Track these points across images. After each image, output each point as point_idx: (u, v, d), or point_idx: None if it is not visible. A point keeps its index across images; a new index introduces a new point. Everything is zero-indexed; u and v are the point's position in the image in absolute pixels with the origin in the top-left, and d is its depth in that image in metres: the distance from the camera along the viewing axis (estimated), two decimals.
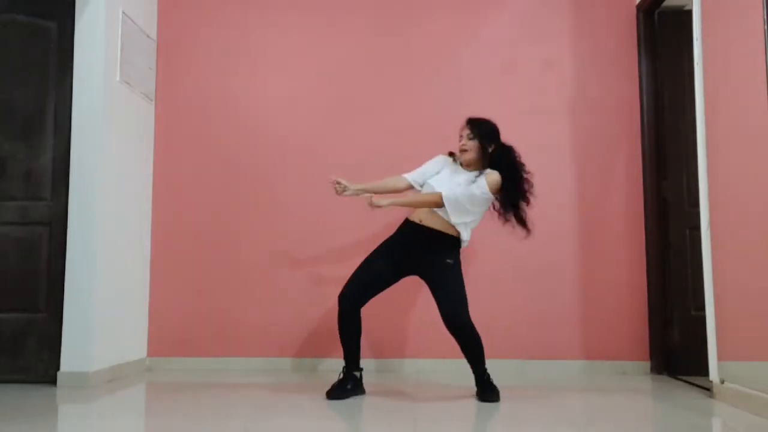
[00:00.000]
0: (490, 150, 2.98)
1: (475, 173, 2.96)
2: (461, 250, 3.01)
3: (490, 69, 3.90)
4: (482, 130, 2.99)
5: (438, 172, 3.04)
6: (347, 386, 2.94)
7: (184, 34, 3.97)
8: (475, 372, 2.98)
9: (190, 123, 3.92)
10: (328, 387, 2.97)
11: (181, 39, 3.97)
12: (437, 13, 3.93)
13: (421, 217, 2.97)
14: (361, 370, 3.01)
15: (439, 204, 2.89)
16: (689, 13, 3.15)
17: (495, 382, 2.96)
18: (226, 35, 3.97)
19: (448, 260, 2.93)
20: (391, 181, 3.07)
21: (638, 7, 3.81)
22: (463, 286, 2.94)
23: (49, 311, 3.28)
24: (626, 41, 3.85)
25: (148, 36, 3.84)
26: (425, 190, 3.01)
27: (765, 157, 2.57)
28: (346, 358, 2.99)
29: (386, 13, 3.95)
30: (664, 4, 3.64)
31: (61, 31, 3.40)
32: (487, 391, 2.91)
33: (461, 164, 3.04)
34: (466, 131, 3.01)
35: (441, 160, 3.09)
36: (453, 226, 2.93)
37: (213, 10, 3.99)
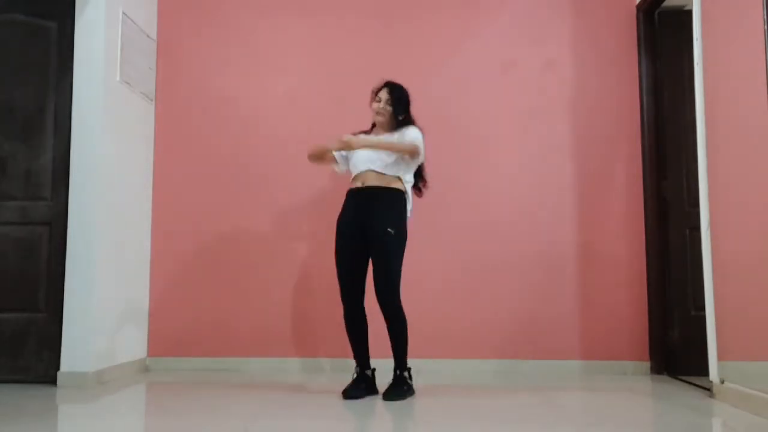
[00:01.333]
0: (400, 119, 3.06)
1: (393, 134, 3.03)
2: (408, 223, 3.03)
3: (490, 69, 3.90)
4: (400, 98, 3.07)
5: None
6: (362, 386, 2.95)
7: (184, 34, 3.98)
8: (396, 361, 2.96)
9: (190, 123, 3.92)
10: (328, 387, 2.97)
11: (181, 39, 3.97)
12: (437, 13, 3.93)
13: (365, 179, 2.99)
14: (373, 369, 3.02)
15: (413, 151, 2.93)
16: (689, 13, 3.15)
17: (493, 382, 2.94)
18: (226, 35, 3.97)
19: (389, 229, 2.91)
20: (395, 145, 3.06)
21: (638, 7, 3.81)
22: (400, 265, 2.94)
23: (49, 311, 3.28)
24: (626, 41, 3.85)
25: (148, 36, 3.84)
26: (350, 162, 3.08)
27: (765, 157, 2.57)
28: (356, 357, 3.01)
29: (386, 13, 3.95)
30: (664, 4, 3.64)
31: (61, 31, 3.40)
32: (396, 386, 2.91)
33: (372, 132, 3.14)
34: (385, 95, 3.07)
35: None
36: (394, 182, 2.98)
37: (213, 10, 3.99)
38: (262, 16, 3.98)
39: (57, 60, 3.39)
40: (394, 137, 3.01)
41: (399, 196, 2.99)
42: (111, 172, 3.42)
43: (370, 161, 2.99)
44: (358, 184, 3.02)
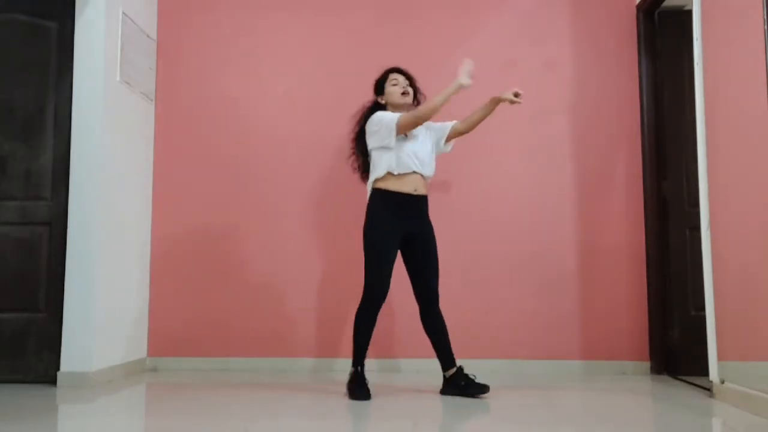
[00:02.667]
0: (419, 100, 3.13)
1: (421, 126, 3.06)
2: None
3: (490, 69, 3.89)
4: (414, 80, 3.13)
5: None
6: (366, 384, 2.91)
7: (184, 34, 3.98)
8: (449, 361, 3.00)
9: (190, 123, 3.92)
10: (328, 387, 2.97)
11: (181, 39, 3.97)
12: (437, 13, 3.94)
13: (416, 186, 2.98)
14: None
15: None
16: (689, 13, 3.15)
17: (493, 382, 2.95)
18: (226, 35, 3.97)
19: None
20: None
21: (638, 7, 3.81)
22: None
23: (49, 311, 3.28)
24: (626, 41, 3.85)
25: (148, 36, 3.84)
26: (393, 159, 2.98)
27: (765, 157, 2.57)
28: (361, 355, 2.93)
29: (386, 13, 3.95)
30: (664, 4, 3.64)
31: (61, 31, 3.40)
32: (474, 384, 2.95)
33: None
34: (401, 78, 3.09)
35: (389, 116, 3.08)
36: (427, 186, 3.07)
37: (213, 10, 3.99)
38: (262, 16, 3.98)
39: (57, 60, 3.39)
40: (425, 128, 3.07)
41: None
42: (111, 172, 3.42)
43: (422, 163, 3.01)
44: (410, 190, 2.97)
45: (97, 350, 3.27)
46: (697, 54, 3.05)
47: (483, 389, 2.92)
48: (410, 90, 3.07)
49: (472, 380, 2.97)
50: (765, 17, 2.55)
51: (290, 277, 3.80)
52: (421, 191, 3.01)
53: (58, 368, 3.22)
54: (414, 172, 2.98)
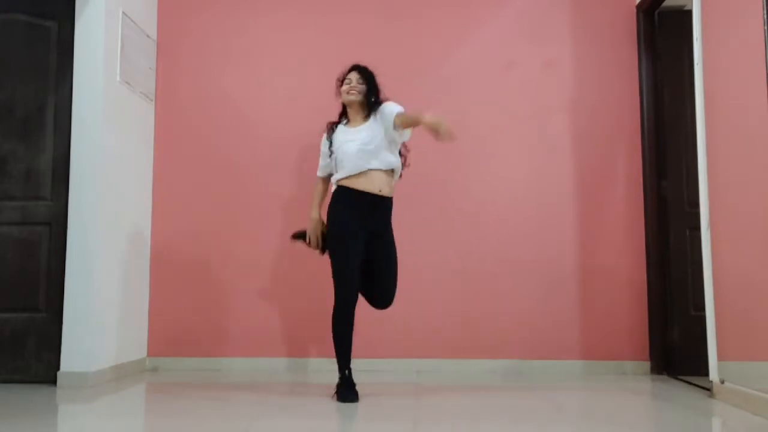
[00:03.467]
0: (373, 100, 3.03)
1: (368, 121, 3.00)
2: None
3: (490, 69, 3.90)
4: (370, 79, 3.06)
5: (332, 145, 3.03)
6: (354, 386, 2.88)
7: (184, 34, 3.98)
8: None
9: (190, 123, 3.92)
10: (328, 387, 2.96)
11: (181, 39, 3.97)
12: (437, 13, 3.93)
13: (381, 186, 2.93)
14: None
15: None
16: (689, 13, 3.15)
17: (493, 382, 2.94)
18: (226, 35, 3.97)
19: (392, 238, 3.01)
20: (319, 190, 3.15)
21: (638, 7, 3.81)
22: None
23: (49, 311, 3.28)
24: (626, 41, 3.85)
25: (148, 36, 3.84)
26: (339, 163, 2.97)
27: (765, 157, 2.57)
28: (345, 359, 2.90)
29: (386, 12, 3.95)
30: (664, 4, 3.63)
31: (61, 31, 3.40)
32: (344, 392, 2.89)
33: (342, 122, 3.07)
34: (356, 76, 3.05)
35: (324, 139, 3.10)
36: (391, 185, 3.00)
37: (213, 10, 3.99)
38: (262, 16, 3.98)
39: (57, 60, 3.39)
40: (373, 121, 2.97)
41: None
42: (111, 172, 3.42)
43: (371, 154, 2.93)
44: (375, 190, 2.92)
45: (97, 350, 3.27)
46: (697, 54, 3.05)
47: (351, 398, 2.85)
48: (357, 88, 3.01)
49: (351, 385, 2.90)
50: (765, 17, 2.55)
51: (290, 277, 3.80)
52: (385, 192, 2.95)
53: (58, 368, 3.22)
54: (368, 171, 2.92)
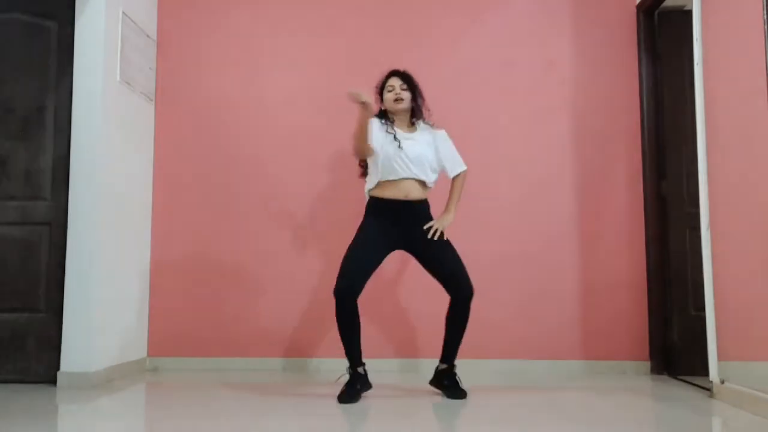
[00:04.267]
0: (418, 103, 3.05)
1: (423, 130, 3.03)
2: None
3: (490, 69, 3.90)
4: (411, 83, 3.05)
5: (377, 138, 2.98)
6: (357, 387, 2.86)
7: (184, 34, 3.98)
8: (447, 356, 2.96)
9: (190, 123, 3.92)
10: (328, 387, 2.97)
11: (181, 39, 3.97)
12: (437, 13, 3.93)
13: (407, 192, 2.95)
14: (363, 364, 2.92)
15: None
16: (689, 13, 3.15)
17: (493, 382, 2.95)
18: (226, 35, 3.97)
19: (446, 237, 2.99)
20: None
21: (638, 7, 3.81)
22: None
23: (49, 311, 3.28)
24: (626, 41, 3.85)
25: (148, 36, 3.84)
26: (387, 161, 2.94)
27: (765, 157, 2.57)
28: (349, 356, 2.88)
29: (386, 12, 3.95)
30: (664, 4, 3.64)
31: (61, 31, 3.40)
32: (455, 388, 2.94)
33: (388, 120, 3.04)
34: (398, 82, 3.03)
35: (377, 122, 3.03)
36: (425, 191, 3.02)
37: (213, 10, 3.99)
38: (262, 15, 3.98)
39: (57, 60, 3.39)
40: (425, 137, 3.02)
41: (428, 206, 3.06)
42: (111, 172, 3.42)
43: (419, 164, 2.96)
44: (401, 197, 2.94)
45: (97, 350, 3.27)
46: (697, 54, 3.05)
47: (460, 394, 2.91)
48: (404, 96, 3.00)
49: (456, 383, 2.95)
50: (765, 17, 2.55)
51: (290, 277, 3.80)
52: (415, 196, 2.96)
53: (58, 368, 3.22)
54: (406, 178, 2.94)
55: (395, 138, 2.96)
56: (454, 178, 3.09)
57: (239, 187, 3.87)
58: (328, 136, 3.83)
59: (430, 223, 2.98)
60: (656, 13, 3.73)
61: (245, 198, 3.86)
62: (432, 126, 3.11)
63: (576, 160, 3.82)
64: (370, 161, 3.02)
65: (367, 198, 3.04)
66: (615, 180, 3.80)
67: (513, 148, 3.84)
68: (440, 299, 3.02)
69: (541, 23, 3.91)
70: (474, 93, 3.88)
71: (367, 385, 2.93)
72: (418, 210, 2.99)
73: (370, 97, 2.84)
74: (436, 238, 2.95)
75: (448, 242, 3.00)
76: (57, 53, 3.39)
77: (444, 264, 2.97)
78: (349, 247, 2.94)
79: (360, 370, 2.91)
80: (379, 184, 2.97)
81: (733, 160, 2.81)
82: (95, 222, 3.27)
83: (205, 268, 3.82)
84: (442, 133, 3.08)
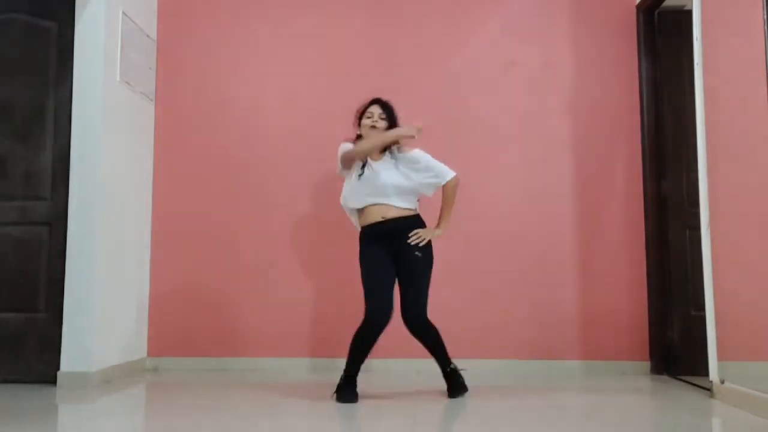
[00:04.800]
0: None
1: (392, 158, 3.01)
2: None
3: (490, 69, 3.90)
4: (391, 113, 3.07)
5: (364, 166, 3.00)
6: (355, 388, 2.87)
7: (184, 34, 3.98)
8: (440, 365, 2.99)
9: (190, 123, 3.92)
10: (329, 387, 2.96)
11: (181, 39, 3.97)
12: (437, 13, 3.93)
13: (383, 213, 2.94)
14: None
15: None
16: (689, 13, 3.15)
17: (493, 382, 2.95)
18: (226, 35, 3.97)
19: (417, 253, 2.93)
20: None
21: (638, 7, 3.81)
22: (428, 285, 2.96)
23: (49, 311, 3.28)
24: (626, 41, 3.85)
25: (148, 36, 3.84)
26: (360, 187, 2.97)
27: (765, 157, 2.57)
28: (354, 366, 2.88)
29: (386, 12, 3.95)
30: (664, 4, 3.64)
31: (61, 31, 3.40)
32: (456, 386, 2.95)
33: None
34: (377, 110, 3.05)
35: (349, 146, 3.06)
36: (406, 209, 3.00)
37: (213, 10, 3.99)
38: (262, 16, 3.98)
39: (57, 60, 3.39)
40: (393, 160, 3.00)
41: (416, 219, 3.02)
42: (111, 172, 3.42)
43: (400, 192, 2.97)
44: (377, 219, 2.95)
45: (97, 350, 3.27)
46: (697, 54, 3.05)
47: (455, 393, 2.93)
48: (380, 125, 3.02)
49: (457, 382, 2.96)
50: (765, 17, 2.55)
51: (290, 277, 3.80)
52: (392, 215, 2.95)
53: (58, 368, 3.22)
54: (373, 204, 2.95)
55: (361, 168, 2.98)
56: (445, 188, 3.06)
57: (239, 187, 3.87)
58: (328, 135, 3.82)
59: (416, 231, 2.96)
60: (656, 12, 3.73)
61: (245, 198, 3.86)
62: (406, 152, 3.05)
63: (575, 160, 3.82)
64: (342, 201, 3.06)
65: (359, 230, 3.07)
66: (615, 180, 3.80)
67: (512, 149, 3.84)
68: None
69: (541, 23, 3.91)
70: (474, 93, 3.88)
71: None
72: (397, 224, 2.95)
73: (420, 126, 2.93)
74: (421, 245, 2.93)
75: (423, 269, 2.96)
76: (57, 53, 3.39)
77: (407, 283, 2.95)
78: (362, 275, 2.94)
79: (354, 376, 2.90)
80: (359, 214, 3.02)
81: (733, 159, 2.81)
82: (95, 222, 3.27)
83: (205, 269, 3.82)
84: (415, 153, 3.02)
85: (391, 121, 3.05)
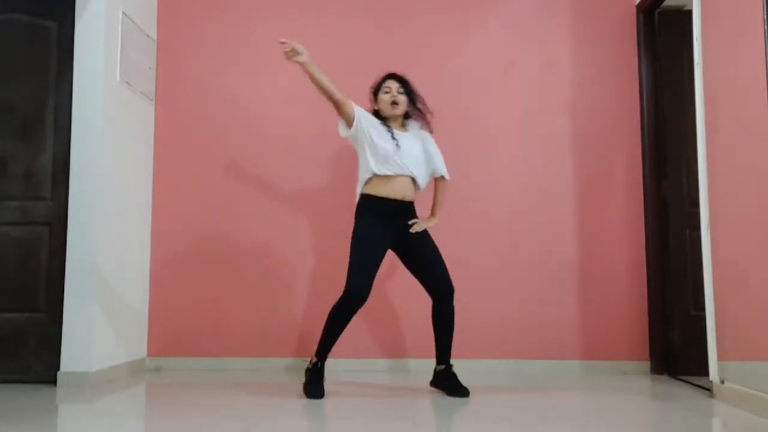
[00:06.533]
0: (418, 107, 3.10)
1: (413, 129, 3.08)
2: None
3: (490, 69, 3.90)
4: (408, 87, 3.08)
5: (370, 127, 3.00)
6: (322, 382, 2.91)
7: (184, 34, 3.98)
8: (442, 358, 3.01)
9: (190, 123, 3.92)
10: (328, 387, 2.96)
11: (181, 39, 3.97)
12: (437, 13, 3.93)
13: (405, 193, 2.98)
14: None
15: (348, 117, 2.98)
16: (689, 13, 3.15)
17: (493, 382, 2.95)
18: (226, 35, 3.97)
19: (418, 231, 3.02)
20: (336, 90, 3.00)
21: (638, 7, 3.81)
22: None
23: (49, 311, 3.28)
24: (626, 41, 3.85)
25: (148, 36, 3.84)
26: (360, 138, 2.99)
27: (765, 157, 2.57)
28: (325, 350, 2.91)
29: (386, 12, 3.95)
30: (664, 4, 3.64)
31: (61, 31, 3.40)
32: (457, 386, 2.97)
33: (383, 120, 3.07)
34: (395, 85, 3.06)
35: (373, 118, 3.07)
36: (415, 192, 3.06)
37: (213, 10, 3.99)
38: (263, 15, 3.98)
39: (57, 60, 3.39)
40: (417, 137, 3.05)
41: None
42: (111, 172, 3.42)
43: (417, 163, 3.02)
44: (399, 197, 2.97)
45: (97, 350, 3.27)
46: (697, 54, 3.05)
47: (463, 392, 2.94)
48: (400, 99, 3.04)
49: (458, 381, 2.99)
50: (765, 17, 2.55)
51: (290, 276, 3.80)
52: (410, 197, 3.01)
53: (58, 368, 3.22)
54: (401, 175, 2.97)
55: (393, 137, 2.98)
56: (439, 184, 3.12)
57: (239, 187, 3.87)
58: (328, 135, 3.82)
59: (415, 221, 3.02)
60: (656, 12, 3.73)
61: (245, 198, 3.86)
62: (420, 127, 3.13)
63: (576, 160, 3.82)
64: (360, 156, 3.03)
65: (359, 197, 3.03)
66: (615, 180, 3.80)
67: (512, 149, 3.84)
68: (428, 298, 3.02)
69: (541, 23, 3.91)
70: (474, 93, 3.88)
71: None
72: (410, 211, 3.03)
73: (303, 48, 2.94)
74: (419, 231, 3.00)
75: (432, 242, 3.04)
76: (57, 53, 3.39)
77: (428, 263, 3.01)
78: (352, 248, 2.95)
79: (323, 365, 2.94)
80: (373, 180, 2.97)
81: (733, 160, 2.81)
82: (95, 222, 3.27)
83: (205, 268, 3.82)
84: (430, 137, 3.13)
85: (411, 96, 3.07)
